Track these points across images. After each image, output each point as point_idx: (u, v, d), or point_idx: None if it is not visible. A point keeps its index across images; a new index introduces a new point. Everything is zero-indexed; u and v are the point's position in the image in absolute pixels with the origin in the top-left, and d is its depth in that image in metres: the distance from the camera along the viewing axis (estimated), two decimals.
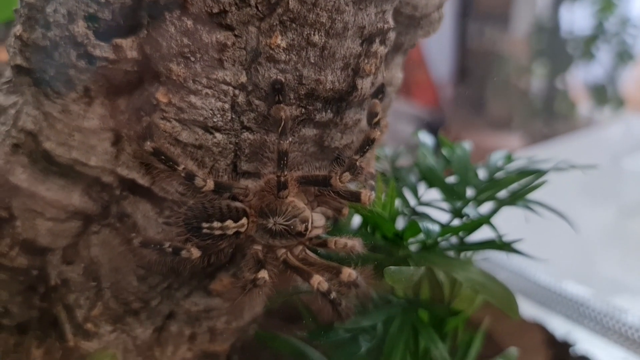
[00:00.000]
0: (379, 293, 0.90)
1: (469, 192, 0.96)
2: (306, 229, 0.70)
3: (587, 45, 3.63)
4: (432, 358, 0.89)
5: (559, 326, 1.35)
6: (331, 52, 0.66)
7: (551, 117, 3.86)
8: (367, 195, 0.71)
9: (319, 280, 0.69)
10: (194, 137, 0.69)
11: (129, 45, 0.68)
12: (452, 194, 0.96)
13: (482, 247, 0.91)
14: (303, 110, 0.69)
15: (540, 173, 0.92)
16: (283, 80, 0.66)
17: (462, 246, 0.91)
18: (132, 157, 0.72)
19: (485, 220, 0.80)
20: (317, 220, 0.72)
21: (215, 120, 0.68)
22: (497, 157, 1.00)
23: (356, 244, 0.72)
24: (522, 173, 0.94)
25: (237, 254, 0.78)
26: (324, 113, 0.70)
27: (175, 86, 0.67)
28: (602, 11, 3.57)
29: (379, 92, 0.72)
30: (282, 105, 0.66)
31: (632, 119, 3.45)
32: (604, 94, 3.67)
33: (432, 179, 0.99)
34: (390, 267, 0.71)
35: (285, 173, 0.67)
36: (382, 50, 0.69)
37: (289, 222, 0.69)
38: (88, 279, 0.78)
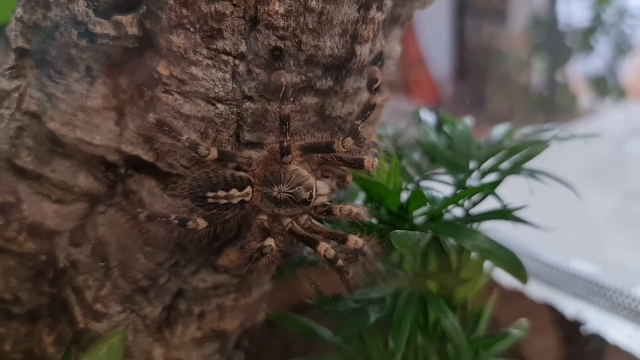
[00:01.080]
0: (386, 267, 0.90)
1: (472, 165, 0.97)
2: (311, 196, 0.71)
3: (586, 38, 3.64)
4: (442, 330, 0.90)
5: (569, 306, 1.34)
6: (329, 18, 0.66)
7: (552, 110, 3.86)
8: (370, 161, 0.71)
9: (325, 247, 0.69)
10: (196, 109, 0.69)
11: (129, 22, 0.68)
12: (455, 167, 0.96)
13: (487, 218, 0.91)
14: (303, 77, 0.69)
15: (541, 143, 0.92)
16: (282, 46, 0.66)
17: (467, 217, 0.91)
18: (136, 134, 0.72)
19: (489, 186, 0.80)
20: (322, 188, 0.72)
21: (216, 90, 0.68)
22: (499, 131, 1.01)
23: (361, 211, 0.73)
24: (524, 144, 0.94)
25: (243, 229, 0.78)
26: (324, 80, 0.71)
27: (176, 58, 0.67)
28: (600, 3, 3.58)
29: (378, 59, 0.72)
30: (282, 71, 0.66)
31: (634, 107, 3.45)
32: (605, 86, 3.67)
33: (434, 155, 0.99)
34: (396, 231, 0.71)
35: (288, 138, 0.67)
36: (379, 16, 0.70)
37: (294, 190, 0.70)
38: (96, 259, 0.79)
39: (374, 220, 0.84)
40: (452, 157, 0.98)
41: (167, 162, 0.72)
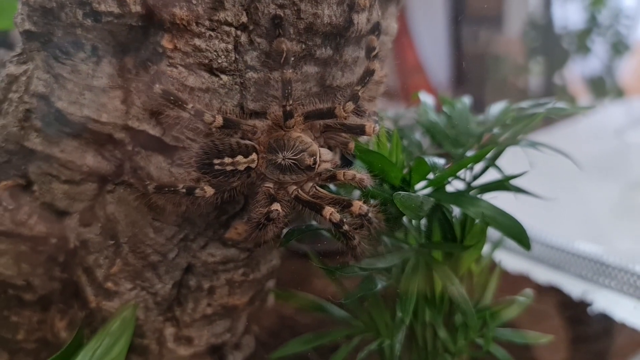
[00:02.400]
0: (392, 242, 0.91)
1: (473, 142, 0.98)
2: (314, 162, 0.72)
3: (582, 39, 3.67)
4: (449, 302, 0.91)
5: (575, 287, 1.35)
6: None
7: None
8: (371, 126, 0.73)
9: (331, 211, 0.71)
10: (201, 80, 0.71)
11: (132, 0, 0.70)
12: (456, 143, 0.97)
13: (489, 188, 0.92)
14: (303, 45, 0.71)
15: (536, 115, 0.94)
16: (282, 15, 0.68)
17: (469, 188, 0.92)
18: (142, 110, 0.74)
19: (490, 158, 0.82)
20: (325, 154, 0.74)
21: (219, 61, 0.70)
22: (496, 108, 1.02)
23: (365, 177, 0.74)
24: (519, 117, 0.96)
25: (249, 203, 0.80)
26: (323, 49, 0.73)
27: (179, 31, 0.69)
28: (594, 4, 3.61)
29: (375, 29, 0.74)
30: (282, 38, 0.68)
31: (633, 101, 3.48)
32: (603, 86, 3.69)
33: (434, 132, 1.01)
34: (400, 192, 0.72)
35: (291, 102, 0.69)
36: None
37: (298, 156, 0.71)
38: (106, 237, 0.80)
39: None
40: (452, 134, 1.00)
41: (173, 136, 0.74)
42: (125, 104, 0.75)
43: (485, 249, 1.09)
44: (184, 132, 0.74)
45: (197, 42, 0.69)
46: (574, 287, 1.35)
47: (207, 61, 0.70)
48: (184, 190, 0.70)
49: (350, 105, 0.70)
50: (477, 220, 0.85)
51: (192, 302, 0.84)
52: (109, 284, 0.81)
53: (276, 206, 0.70)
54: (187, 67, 0.71)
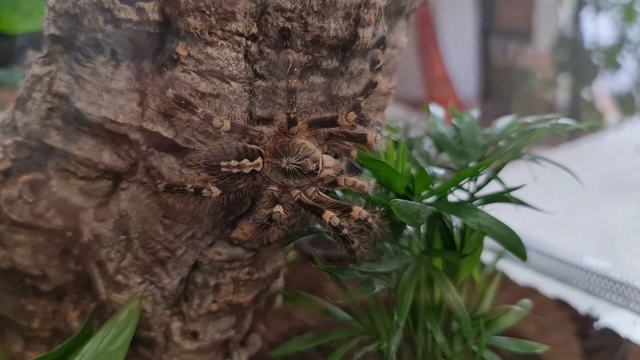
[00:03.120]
0: (394, 248, 0.94)
1: (477, 154, 1.01)
2: (317, 168, 0.75)
3: (612, 55, 3.64)
4: (448, 309, 0.93)
5: (582, 302, 1.36)
6: (332, 1, 0.72)
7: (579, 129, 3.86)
8: (372, 136, 0.76)
9: (330, 215, 0.74)
10: (212, 86, 0.75)
11: (150, 8, 0.74)
12: (461, 155, 1.00)
13: (490, 200, 0.94)
14: (310, 57, 0.75)
15: (541, 130, 0.96)
16: (290, 27, 0.72)
17: (471, 199, 0.95)
18: (157, 112, 0.78)
19: (484, 164, 0.84)
20: (328, 160, 0.77)
21: (230, 69, 0.74)
22: (502, 122, 1.05)
23: (365, 184, 0.77)
24: (524, 132, 0.98)
25: (256, 204, 0.83)
26: (329, 61, 0.76)
27: (193, 39, 0.73)
28: (625, 20, 3.59)
29: (380, 43, 0.77)
30: (289, 49, 0.72)
31: None
32: (632, 103, 3.67)
33: (441, 144, 1.03)
34: (397, 199, 0.75)
35: (295, 110, 0.73)
36: (380, 1, 0.75)
37: (301, 162, 0.75)
38: (118, 232, 0.84)
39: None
40: (459, 146, 1.02)
41: (185, 138, 0.78)
42: (141, 107, 0.79)
43: (489, 258, 1.12)
44: (194, 135, 0.77)
45: (210, 50, 0.73)
46: (581, 302, 1.36)
47: (218, 68, 0.74)
48: (192, 190, 0.74)
49: (352, 115, 0.73)
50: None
51: (198, 298, 0.88)
52: (119, 277, 0.85)
53: (278, 208, 0.73)
54: (200, 73, 0.74)
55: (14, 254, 0.90)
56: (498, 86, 4.44)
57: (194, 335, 0.90)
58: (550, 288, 1.44)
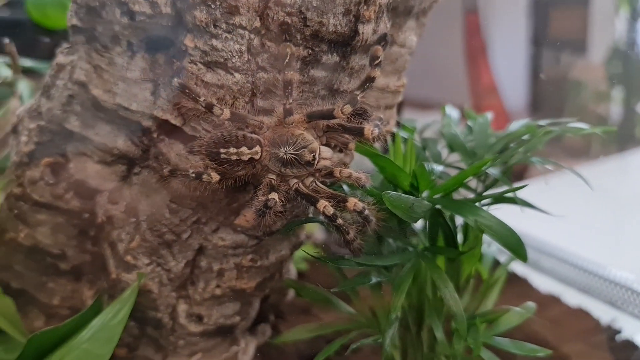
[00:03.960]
0: (399, 244, 0.96)
1: (488, 155, 1.01)
2: (314, 158, 0.78)
3: None
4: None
5: (605, 313, 1.35)
6: None
7: (632, 142, 3.77)
8: (369, 129, 0.78)
9: (324, 205, 0.77)
10: (217, 77, 0.79)
11: (163, 2, 0.79)
12: (472, 155, 1.01)
13: (497, 200, 0.95)
14: (310, 51, 0.78)
15: (551, 132, 0.96)
16: (289, 22, 0.75)
17: (476, 198, 0.95)
18: (167, 101, 0.82)
19: (482, 163, 0.85)
20: (325, 152, 0.80)
21: (234, 61, 0.77)
22: (517, 124, 1.05)
23: (362, 176, 0.79)
24: (536, 134, 0.98)
25: (258, 192, 0.86)
26: (329, 55, 0.79)
27: (199, 32, 0.77)
28: None
29: (382, 40, 0.79)
30: (288, 43, 0.75)
31: None
32: None
33: (454, 145, 1.05)
34: (390, 192, 0.77)
35: (290, 101, 0.76)
36: None
37: (298, 152, 0.78)
38: (129, 215, 0.89)
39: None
40: (470, 147, 1.04)
41: (191, 126, 0.82)
42: (153, 95, 0.84)
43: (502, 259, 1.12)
44: (200, 124, 0.81)
45: (215, 42, 0.77)
46: (604, 314, 1.35)
47: (222, 60, 0.77)
48: (194, 174, 0.78)
49: (347, 108, 0.76)
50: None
51: (202, 282, 0.91)
52: (129, 258, 0.89)
53: (274, 195, 0.76)
54: (206, 64, 0.78)
55: (36, 232, 0.96)
56: (548, 97, 4.37)
57: (199, 319, 0.94)
58: (573, 298, 1.42)
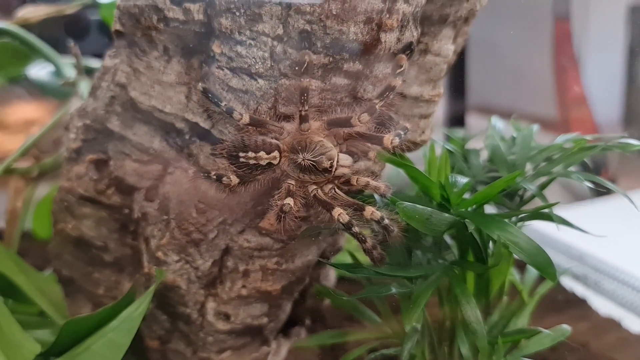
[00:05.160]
0: (429, 256, 0.94)
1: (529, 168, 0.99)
2: (331, 165, 0.79)
3: None
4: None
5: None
6: (352, 6, 0.75)
7: None
8: (389, 139, 0.78)
9: (339, 212, 0.77)
10: (242, 83, 0.81)
11: (196, 9, 0.81)
12: (512, 168, 0.98)
13: (532, 217, 0.92)
14: (330, 58, 0.78)
15: (595, 147, 0.92)
16: (309, 29, 0.76)
17: (510, 213, 0.93)
18: (197, 104, 0.85)
19: (515, 175, 0.82)
20: (344, 159, 0.80)
21: (257, 67, 0.79)
22: (564, 137, 1.01)
23: (381, 185, 0.79)
24: (583, 148, 0.94)
25: (276, 197, 0.87)
26: (351, 63, 0.79)
27: (225, 38, 0.79)
28: None
29: (407, 48, 0.79)
30: (307, 50, 0.76)
31: None
32: None
33: (495, 156, 1.02)
34: (404, 202, 0.76)
35: (306, 107, 0.76)
36: (404, 7, 0.76)
37: (316, 159, 0.78)
38: (161, 213, 0.92)
39: None
40: (511, 159, 1.01)
41: (219, 130, 0.84)
42: (187, 99, 0.87)
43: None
44: (226, 127, 0.83)
45: (239, 48, 0.79)
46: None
47: (246, 66, 0.79)
48: (215, 176, 0.80)
49: (365, 117, 0.76)
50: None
51: (229, 282, 0.94)
52: (159, 254, 0.92)
53: (289, 200, 0.77)
54: (231, 70, 0.80)
55: (81, 224, 1.01)
56: None
57: (227, 317, 0.96)
58: (634, 324, 1.36)
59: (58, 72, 1.28)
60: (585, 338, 1.20)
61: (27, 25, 1.34)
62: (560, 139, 1.02)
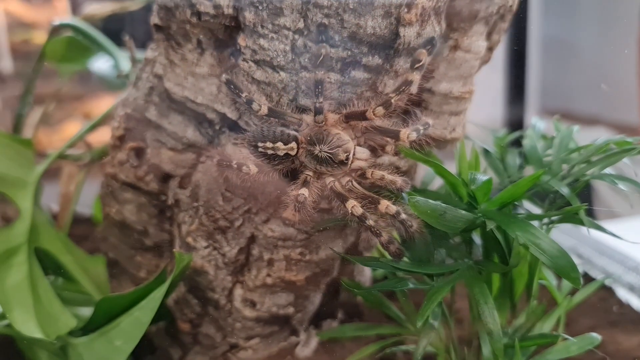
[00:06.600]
0: (454, 255, 0.94)
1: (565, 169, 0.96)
2: (347, 158, 0.80)
3: None
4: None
5: None
6: (369, 0, 0.76)
7: None
8: (405, 133, 0.78)
9: (353, 204, 0.78)
10: (265, 75, 0.83)
11: (225, 4, 0.84)
12: (548, 170, 0.96)
13: (561, 220, 0.90)
14: (349, 52, 0.79)
15: (634, 149, 0.88)
16: (327, 23, 0.77)
17: (539, 215, 0.91)
18: (225, 96, 0.88)
19: (540, 174, 0.80)
20: (360, 152, 0.81)
21: (279, 60, 0.81)
22: (604, 138, 0.98)
23: (398, 180, 0.79)
24: (621, 151, 0.91)
25: (292, 187, 0.89)
26: (370, 57, 0.79)
27: (249, 31, 0.82)
28: None
29: (428, 43, 0.79)
30: (324, 44, 0.77)
31: None
32: None
33: (530, 157, 1.00)
34: (417, 196, 0.76)
35: (321, 100, 0.78)
36: (424, 2, 0.76)
37: (333, 151, 0.79)
38: (192, 200, 0.96)
39: None
40: (547, 160, 0.98)
41: (245, 121, 0.87)
42: (218, 90, 0.90)
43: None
44: (251, 118, 0.86)
45: (262, 41, 0.81)
46: None
47: (269, 59, 0.81)
48: (235, 165, 0.83)
49: (380, 110, 0.76)
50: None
51: (255, 270, 0.96)
52: (189, 239, 0.96)
53: (304, 191, 0.79)
54: (255, 62, 0.83)
55: (124, 209, 1.06)
56: None
57: (253, 304, 0.98)
58: None
59: (116, 65, 1.34)
60: (637, 353, 1.15)
61: (92, 21, 1.41)
62: (601, 139, 0.98)
